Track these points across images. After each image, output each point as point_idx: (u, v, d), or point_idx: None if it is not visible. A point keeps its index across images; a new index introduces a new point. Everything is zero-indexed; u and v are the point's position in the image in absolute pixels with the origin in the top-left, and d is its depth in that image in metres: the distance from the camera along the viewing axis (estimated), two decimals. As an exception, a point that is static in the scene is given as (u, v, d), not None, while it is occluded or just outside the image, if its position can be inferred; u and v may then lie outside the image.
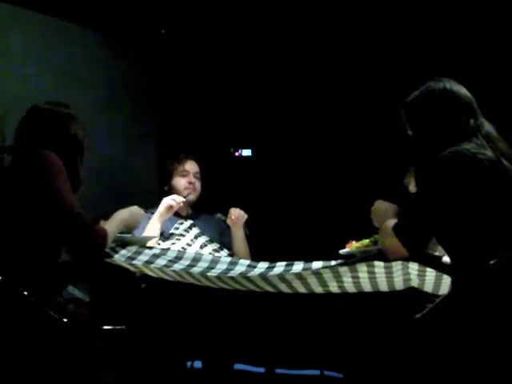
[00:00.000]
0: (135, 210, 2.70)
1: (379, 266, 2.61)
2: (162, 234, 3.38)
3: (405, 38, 3.88)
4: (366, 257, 2.58)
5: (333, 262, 2.63)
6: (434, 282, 2.72)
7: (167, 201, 3.38)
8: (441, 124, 2.26)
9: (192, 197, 3.61)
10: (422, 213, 2.16)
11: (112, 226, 2.51)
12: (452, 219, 2.13)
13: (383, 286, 2.78)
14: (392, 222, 2.23)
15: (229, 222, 3.55)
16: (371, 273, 2.65)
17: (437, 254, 2.72)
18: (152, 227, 3.33)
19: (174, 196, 3.43)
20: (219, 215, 3.58)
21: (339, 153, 4.12)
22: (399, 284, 2.79)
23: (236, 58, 4.29)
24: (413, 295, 2.95)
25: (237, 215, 3.52)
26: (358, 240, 2.63)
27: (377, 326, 3.45)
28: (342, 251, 2.64)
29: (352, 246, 2.62)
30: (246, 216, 3.55)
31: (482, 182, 2.11)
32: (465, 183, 2.11)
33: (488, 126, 2.27)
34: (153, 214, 3.45)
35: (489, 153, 2.16)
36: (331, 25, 4.06)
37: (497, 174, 2.13)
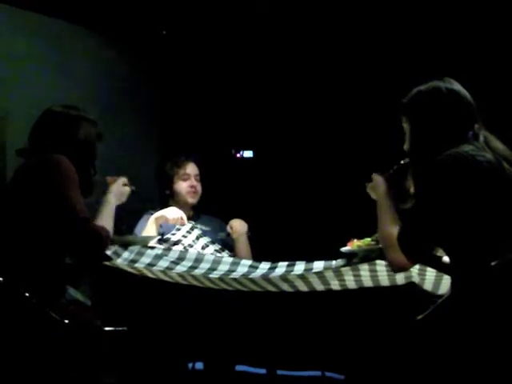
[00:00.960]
0: (118, 190, 2.70)
1: (381, 264, 2.62)
2: (163, 234, 3.38)
3: (406, 38, 3.88)
4: (367, 256, 2.59)
5: (333, 263, 2.64)
6: (434, 281, 2.73)
7: (176, 214, 3.36)
8: (443, 123, 2.26)
9: (194, 200, 3.63)
10: (424, 217, 2.16)
11: (109, 219, 2.51)
12: (452, 221, 2.12)
13: (384, 282, 2.78)
14: (395, 231, 2.23)
15: (231, 234, 3.58)
16: (373, 271, 2.66)
17: (438, 254, 2.71)
18: (149, 229, 3.34)
19: (181, 216, 3.39)
20: (222, 234, 3.59)
21: (341, 153, 4.12)
22: (401, 282, 2.79)
23: (237, 59, 4.29)
24: (414, 296, 2.96)
25: (237, 230, 3.55)
26: (359, 238, 2.63)
27: (378, 327, 3.45)
28: (343, 249, 2.64)
29: (354, 245, 2.62)
30: (246, 226, 3.57)
31: (481, 184, 2.11)
32: (464, 185, 2.11)
33: (493, 139, 2.27)
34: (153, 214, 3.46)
35: (488, 155, 2.16)
36: (331, 25, 4.05)
37: (496, 176, 2.13)
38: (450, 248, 2.21)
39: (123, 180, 2.76)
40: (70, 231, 2.29)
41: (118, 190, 2.69)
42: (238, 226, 3.56)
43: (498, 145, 2.24)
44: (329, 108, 4.16)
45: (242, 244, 3.56)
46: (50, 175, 2.33)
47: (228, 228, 3.58)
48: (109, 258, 2.67)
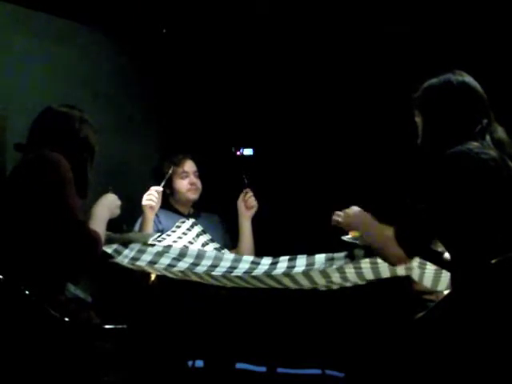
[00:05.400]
0: (109, 202, 2.63)
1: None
2: (162, 231, 3.38)
3: (407, 38, 3.88)
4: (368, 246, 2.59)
5: (335, 256, 2.64)
6: (434, 277, 2.74)
7: (145, 202, 3.35)
8: (452, 118, 2.25)
9: (195, 196, 3.64)
10: (427, 213, 2.15)
11: (101, 226, 2.47)
12: (455, 218, 2.12)
13: (385, 274, 2.78)
14: (390, 231, 2.23)
15: (239, 202, 3.56)
16: (373, 263, 2.67)
17: (439, 250, 2.72)
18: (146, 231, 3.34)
19: (151, 191, 3.37)
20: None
21: (341, 150, 4.12)
22: (401, 273, 2.79)
23: (237, 57, 4.29)
24: (414, 295, 2.96)
25: (251, 203, 3.54)
26: None
27: (379, 325, 3.45)
28: (344, 237, 2.64)
29: (354, 233, 2.63)
30: (256, 206, 3.56)
31: (484, 182, 2.11)
32: (468, 182, 2.11)
33: (501, 132, 2.26)
34: (156, 215, 3.47)
35: (493, 152, 2.16)
36: (332, 24, 4.06)
37: (500, 174, 2.13)
38: (450, 245, 2.21)
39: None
40: (64, 233, 2.28)
41: (112, 202, 2.62)
42: (253, 202, 3.56)
43: (508, 145, 2.23)
44: (328, 106, 4.17)
45: (247, 232, 3.55)
46: (48, 174, 2.32)
47: (241, 198, 3.56)
48: (110, 257, 2.67)
